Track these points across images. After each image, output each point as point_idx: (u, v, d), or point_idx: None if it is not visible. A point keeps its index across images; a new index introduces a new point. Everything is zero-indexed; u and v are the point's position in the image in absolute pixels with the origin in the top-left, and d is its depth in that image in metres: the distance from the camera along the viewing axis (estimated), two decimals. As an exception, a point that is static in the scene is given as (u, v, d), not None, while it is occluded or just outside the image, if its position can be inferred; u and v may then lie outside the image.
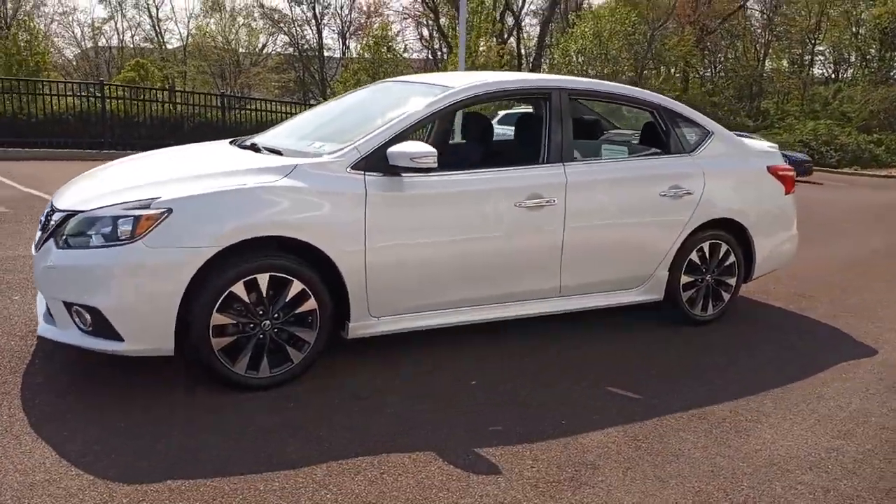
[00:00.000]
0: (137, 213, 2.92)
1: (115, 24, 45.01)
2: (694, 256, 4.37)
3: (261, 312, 3.13)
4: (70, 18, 52.40)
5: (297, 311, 3.19)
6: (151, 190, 3.05)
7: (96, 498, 2.32)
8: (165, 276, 2.91)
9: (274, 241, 3.12)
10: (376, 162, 3.34)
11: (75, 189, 3.42)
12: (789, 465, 2.83)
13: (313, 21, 43.17)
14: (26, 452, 2.56)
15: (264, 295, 3.10)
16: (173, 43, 44.48)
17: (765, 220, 4.63)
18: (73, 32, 41.93)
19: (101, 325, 2.93)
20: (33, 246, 3.31)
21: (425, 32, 42.76)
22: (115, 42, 42.87)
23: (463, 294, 3.66)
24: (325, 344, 3.31)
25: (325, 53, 43.64)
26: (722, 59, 39.73)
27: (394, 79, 4.71)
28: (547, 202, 3.76)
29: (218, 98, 16.61)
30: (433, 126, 4.82)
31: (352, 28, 43.62)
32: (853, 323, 4.82)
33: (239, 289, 3.04)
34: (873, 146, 28.68)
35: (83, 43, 41.56)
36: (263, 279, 3.08)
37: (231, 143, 4.12)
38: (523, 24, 41.32)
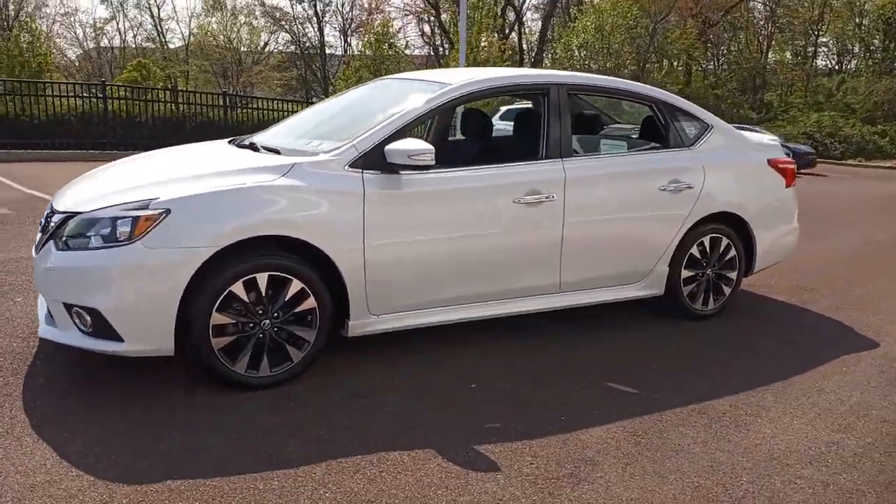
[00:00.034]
0: (136, 213, 2.92)
1: (117, 24, 45.19)
2: (694, 251, 4.36)
3: (260, 312, 3.13)
4: (72, 19, 52.85)
5: (296, 310, 3.20)
6: (150, 190, 3.05)
7: (96, 499, 2.33)
8: (164, 276, 2.92)
9: (273, 241, 3.12)
10: (374, 160, 3.34)
11: (74, 190, 3.43)
12: (789, 459, 2.83)
13: (315, 18, 43.26)
14: (27, 454, 2.58)
15: (264, 294, 3.11)
16: (175, 42, 44.62)
17: (765, 213, 4.62)
18: (74, 33, 41.96)
19: (100, 326, 2.94)
20: (34, 248, 3.32)
21: (427, 29, 42.71)
22: (116, 42, 43.02)
23: (463, 291, 3.65)
24: (324, 343, 3.31)
25: (327, 51, 43.73)
26: (725, 51, 39.54)
27: (392, 76, 4.70)
28: (546, 198, 3.75)
29: (220, 97, 16.57)
30: (432, 123, 4.82)
31: (353, 25, 43.70)
32: (855, 315, 4.81)
33: (238, 288, 3.04)
34: (877, 137, 28.57)
35: (85, 43, 41.72)
36: (263, 278, 3.09)
37: (230, 142, 4.12)
38: (525, 18, 41.27)
